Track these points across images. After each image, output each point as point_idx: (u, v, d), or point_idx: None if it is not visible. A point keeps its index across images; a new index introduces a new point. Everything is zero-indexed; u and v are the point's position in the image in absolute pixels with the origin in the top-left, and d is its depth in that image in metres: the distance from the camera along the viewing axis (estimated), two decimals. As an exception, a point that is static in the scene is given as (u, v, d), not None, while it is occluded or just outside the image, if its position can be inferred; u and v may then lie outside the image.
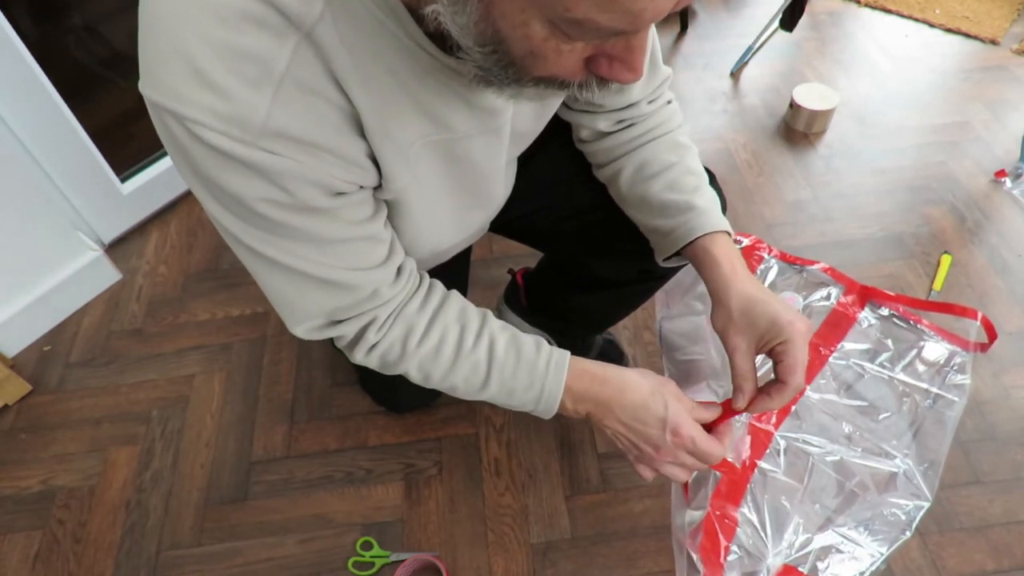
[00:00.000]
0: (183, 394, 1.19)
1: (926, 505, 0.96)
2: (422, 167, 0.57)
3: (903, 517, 0.96)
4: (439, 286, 0.68)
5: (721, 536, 0.86)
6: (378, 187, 0.56)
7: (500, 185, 0.71)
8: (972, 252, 1.33)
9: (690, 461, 0.68)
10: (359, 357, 0.65)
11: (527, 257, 1.30)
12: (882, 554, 0.91)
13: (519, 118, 0.64)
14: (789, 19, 1.71)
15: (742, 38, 1.85)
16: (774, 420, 1.00)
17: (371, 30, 0.46)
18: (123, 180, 1.39)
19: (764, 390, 0.66)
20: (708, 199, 0.72)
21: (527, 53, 0.39)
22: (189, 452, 1.12)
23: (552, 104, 0.69)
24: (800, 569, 0.91)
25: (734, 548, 0.90)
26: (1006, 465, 1.04)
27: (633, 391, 0.66)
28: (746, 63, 1.81)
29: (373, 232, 0.58)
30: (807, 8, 1.72)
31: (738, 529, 0.91)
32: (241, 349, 1.25)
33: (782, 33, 1.79)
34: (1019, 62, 1.76)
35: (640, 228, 0.78)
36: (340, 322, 0.62)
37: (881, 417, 1.06)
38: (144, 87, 0.45)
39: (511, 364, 0.65)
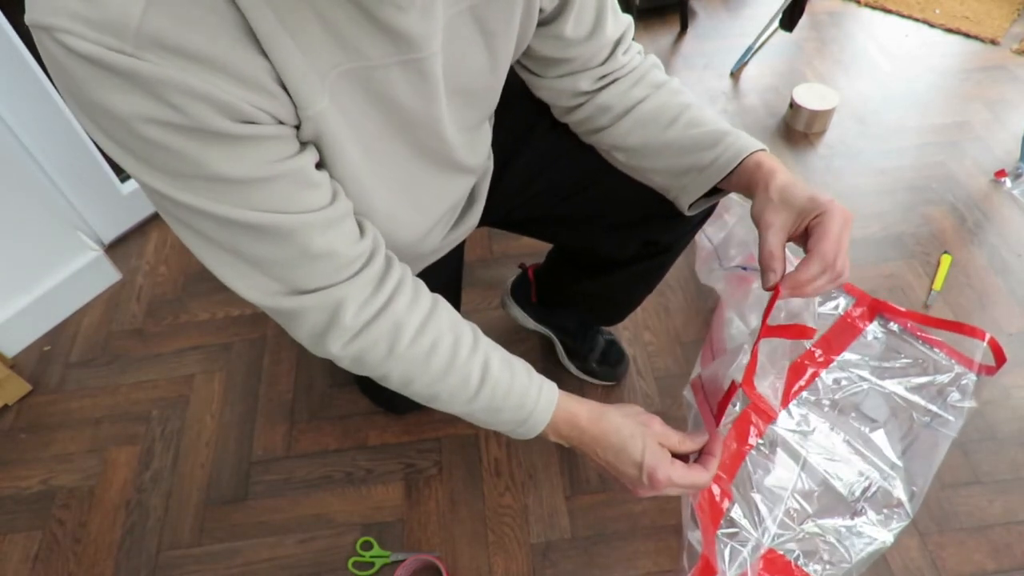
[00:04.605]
0: (183, 394, 1.19)
1: (906, 522, 0.96)
2: (345, 101, 0.53)
3: (884, 529, 0.97)
4: (425, 287, 0.65)
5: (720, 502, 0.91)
6: (298, 126, 0.51)
7: (452, 139, 0.66)
8: (972, 252, 1.33)
9: (675, 493, 0.70)
10: (334, 350, 0.59)
11: (527, 256, 1.30)
12: (855, 559, 0.94)
13: (465, 70, 0.60)
14: (789, 19, 1.71)
15: (742, 38, 1.85)
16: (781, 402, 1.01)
17: None
18: (123, 180, 1.39)
19: (796, 269, 0.62)
20: (732, 126, 0.72)
21: None
22: (189, 452, 1.12)
23: (500, 53, 0.64)
24: (783, 555, 0.93)
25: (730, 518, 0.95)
26: (1006, 465, 1.04)
27: (613, 434, 0.68)
28: (746, 63, 1.81)
29: (298, 168, 0.52)
30: (807, 8, 1.72)
31: (731, 504, 0.94)
32: (241, 349, 1.25)
33: (782, 33, 1.79)
34: (1019, 62, 1.76)
35: (662, 179, 0.75)
36: (302, 293, 0.56)
37: (874, 429, 1.06)
38: (26, 15, 0.42)
39: (504, 384, 0.65)
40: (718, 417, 0.72)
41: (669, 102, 0.73)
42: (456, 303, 1.01)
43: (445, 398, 0.65)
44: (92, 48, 0.40)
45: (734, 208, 1.19)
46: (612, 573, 0.96)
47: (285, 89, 0.48)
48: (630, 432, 0.68)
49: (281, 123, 0.50)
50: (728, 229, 1.18)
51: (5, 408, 1.18)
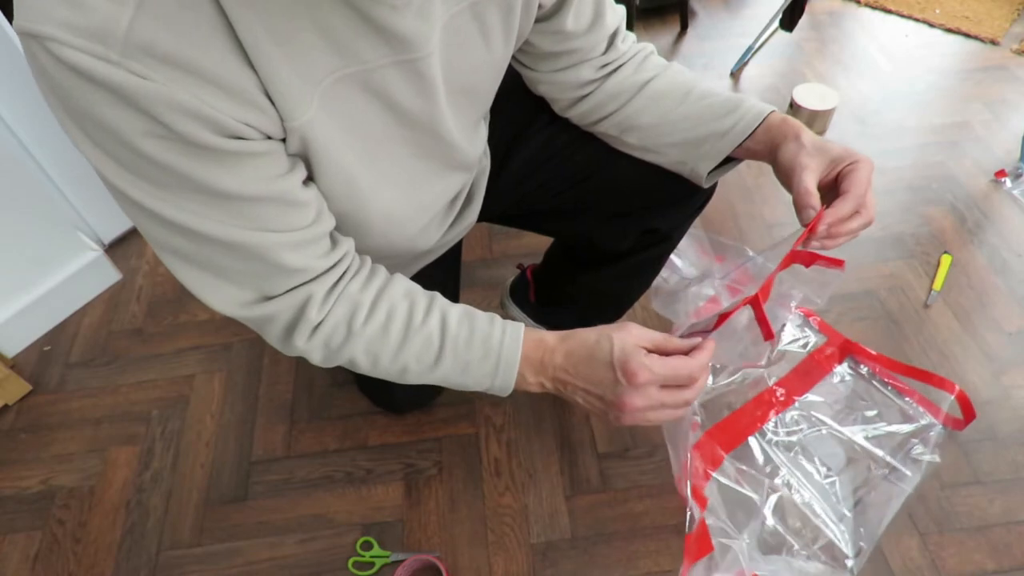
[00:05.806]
0: (183, 394, 1.19)
1: None
2: (343, 105, 0.53)
3: None
4: (382, 269, 0.66)
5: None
6: (284, 139, 0.51)
7: (453, 137, 0.66)
8: (972, 252, 1.33)
9: (665, 396, 0.63)
10: (300, 344, 0.60)
11: (527, 256, 1.30)
12: None
13: (466, 69, 0.61)
14: (789, 19, 1.71)
15: (742, 38, 1.85)
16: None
17: None
18: (123, 180, 1.39)
19: (832, 206, 0.62)
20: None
21: None
22: (189, 452, 1.12)
23: (500, 50, 0.64)
24: None
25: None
26: (1006, 465, 1.04)
27: (580, 346, 0.64)
28: (746, 63, 1.81)
29: (287, 188, 0.52)
30: (807, 8, 1.72)
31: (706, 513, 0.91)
32: (241, 349, 1.25)
33: (782, 33, 1.79)
34: (1019, 62, 1.76)
35: (679, 151, 0.75)
36: (271, 299, 0.57)
37: (827, 477, 1.02)
38: (13, 21, 0.41)
39: (464, 336, 0.64)
40: (716, 327, 0.68)
41: (678, 78, 0.75)
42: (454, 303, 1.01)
43: (414, 368, 0.64)
44: (79, 57, 0.40)
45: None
46: (612, 573, 0.96)
47: (272, 101, 0.48)
48: (596, 337, 0.64)
49: (269, 138, 0.50)
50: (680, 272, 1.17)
51: (5, 408, 1.18)
